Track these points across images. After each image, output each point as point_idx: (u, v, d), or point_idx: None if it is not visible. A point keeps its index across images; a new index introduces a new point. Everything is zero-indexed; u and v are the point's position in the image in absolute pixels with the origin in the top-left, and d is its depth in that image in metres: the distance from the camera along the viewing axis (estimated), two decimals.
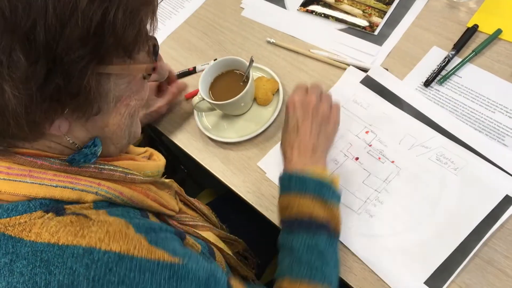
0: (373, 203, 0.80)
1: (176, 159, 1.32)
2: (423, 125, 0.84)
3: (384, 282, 0.72)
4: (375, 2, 1.01)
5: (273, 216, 0.83)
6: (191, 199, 0.81)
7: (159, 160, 0.71)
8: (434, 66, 0.89)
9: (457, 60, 0.89)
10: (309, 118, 0.76)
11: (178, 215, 0.70)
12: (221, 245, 0.75)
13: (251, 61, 0.89)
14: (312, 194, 0.69)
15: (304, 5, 1.08)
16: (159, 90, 0.97)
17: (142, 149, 0.75)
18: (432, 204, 0.76)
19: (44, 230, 0.46)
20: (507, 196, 0.73)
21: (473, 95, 0.85)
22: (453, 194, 0.76)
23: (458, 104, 0.85)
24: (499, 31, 0.89)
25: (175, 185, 0.75)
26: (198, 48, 1.10)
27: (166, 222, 0.66)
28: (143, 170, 0.63)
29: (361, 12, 1.01)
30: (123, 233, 0.48)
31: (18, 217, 0.48)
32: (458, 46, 0.89)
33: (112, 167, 0.57)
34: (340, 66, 0.96)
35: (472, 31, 0.90)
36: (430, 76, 0.88)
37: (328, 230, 0.69)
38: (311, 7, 1.07)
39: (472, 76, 0.87)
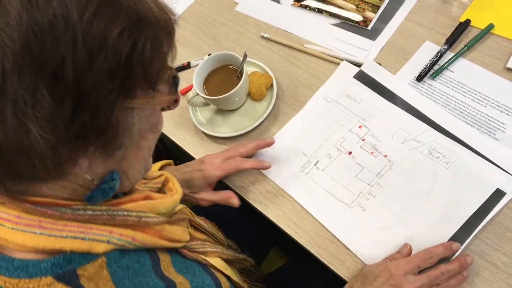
0: (366, 197, 0.80)
1: (172, 154, 1.32)
2: (415, 120, 0.85)
3: None
4: None
5: (267, 210, 0.84)
6: (199, 220, 0.78)
7: (175, 192, 0.67)
8: (426, 60, 0.90)
9: (449, 55, 0.89)
10: None
11: (188, 243, 0.68)
12: (229, 272, 0.73)
13: (245, 56, 0.89)
14: None
15: (298, 0, 1.08)
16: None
17: (157, 173, 0.73)
18: (424, 198, 0.77)
19: None
20: (497, 190, 0.74)
21: (465, 90, 0.86)
22: (445, 187, 0.77)
23: (450, 99, 0.86)
24: (491, 26, 0.89)
25: (187, 212, 0.73)
26: (192, 43, 1.10)
27: (177, 252, 0.64)
28: (158, 209, 0.60)
29: (355, 7, 1.02)
30: None
31: (27, 281, 0.45)
32: (451, 41, 0.90)
33: (125, 212, 0.54)
34: (334, 61, 0.96)
35: (464, 25, 0.91)
36: (422, 70, 0.88)
37: None
38: (305, 2, 1.07)
39: (464, 70, 0.88)
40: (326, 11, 1.04)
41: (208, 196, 0.86)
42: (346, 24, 1.01)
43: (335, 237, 0.78)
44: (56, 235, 0.47)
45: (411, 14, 0.98)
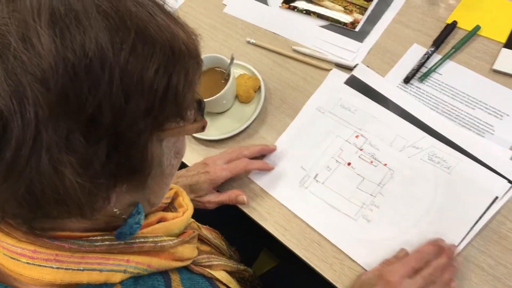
0: (370, 208, 0.79)
1: None
2: (412, 126, 0.84)
3: None
4: None
5: (254, 213, 0.84)
6: (205, 231, 0.77)
7: (186, 209, 0.65)
8: (414, 63, 0.90)
9: (437, 57, 0.89)
10: None
11: (195, 257, 0.67)
12: (233, 285, 0.73)
13: (232, 59, 0.89)
14: None
15: (286, 1, 1.08)
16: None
17: None
18: (427, 205, 0.77)
19: None
20: (495, 198, 0.74)
21: (453, 92, 0.86)
22: (447, 194, 0.77)
23: (438, 101, 0.86)
24: (477, 27, 0.89)
25: (195, 226, 0.71)
26: None
27: (184, 267, 0.63)
28: (172, 230, 0.59)
29: (342, 9, 1.02)
30: None
31: None
32: (438, 43, 0.90)
33: (142, 239, 0.52)
34: (322, 65, 0.96)
35: (451, 27, 0.91)
36: (410, 73, 0.88)
37: None
38: (293, 3, 1.07)
39: (451, 73, 0.88)
40: (314, 13, 1.04)
41: (214, 198, 0.85)
42: (334, 26, 1.01)
43: (323, 240, 0.78)
44: (74, 269, 0.46)
45: (398, 15, 0.98)
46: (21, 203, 0.38)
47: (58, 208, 0.40)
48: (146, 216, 0.57)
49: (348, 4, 1.02)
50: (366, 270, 0.74)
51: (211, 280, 0.67)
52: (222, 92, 0.86)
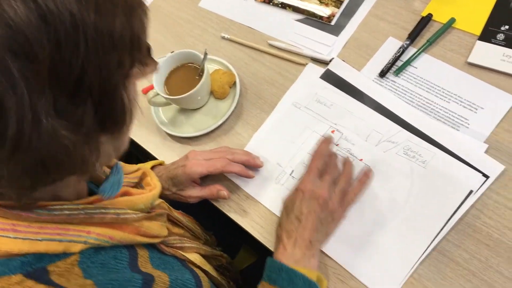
0: None
1: (134, 155, 1.29)
2: (387, 120, 0.84)
3: (362, 283, 0.72)
4: None
5: (230, 210, 0.83)
6: (177, 214, 0.78)
7: (153, 187, 0.66)
8: (390, 56, 0.89)
9: (412, 50, 0.89)
10: (315, 212, 0.72)
11: (166, 238, 0.67)
12: (207, 267, 0.73)
13: (205, 54, 0.87)
14: None
15: None
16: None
17: (133, 167, 0.72)
18: (403, 200, 0.76)
19: None
20: (470, 191, 0.74)
21: (428, 85, 0.86)
22: (422, 188, 0.76)
23: (414, 95, 0.85)
24: (452, 20, 0.89)
25: (165, 206, 0.72)
26: (156, 41, 1.07)
27: (155, 247, 0.64)
28: (137, 205, 0.60)
29: (318, 2, 1.00)
30: None
31: None
32: (413, 36, 0.89)
33: (103, 210, 0.53)
34: (298, 60, 0.95)
35: (426, 20, 0.90)
36: (385, 66, 0.88)
37: None
38: None
39: (426, 66, 0.87)
40: (289, 6, 1.02)
41: (196, 193, 0.84)
42: (310, 19, 1.00)
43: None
44: (32, 239, 0.47)
45: (374, 8, 0.97)
46: (27, 174, 0.40)
47: (61, 171, 0.42)
48: None
49: None
50: (341, 267, 0.74)
51: (184, 262, 0.68)
52: (196, 88, 0.85)
